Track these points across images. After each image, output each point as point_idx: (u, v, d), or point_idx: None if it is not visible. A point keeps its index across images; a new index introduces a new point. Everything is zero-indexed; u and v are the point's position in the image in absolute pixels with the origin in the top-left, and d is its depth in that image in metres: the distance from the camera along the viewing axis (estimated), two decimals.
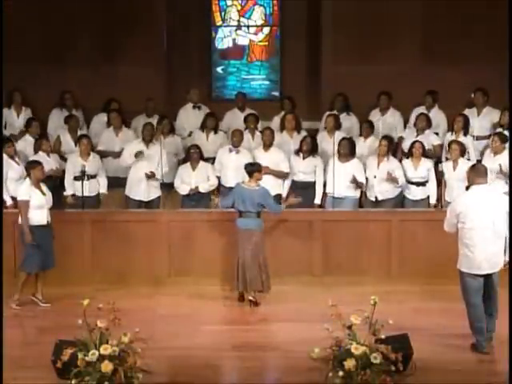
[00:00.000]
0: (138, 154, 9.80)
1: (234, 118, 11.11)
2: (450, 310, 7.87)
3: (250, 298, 8.47)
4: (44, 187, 8.57)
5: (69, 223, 9.04)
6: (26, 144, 10.13)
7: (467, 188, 7.37)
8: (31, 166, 8.59)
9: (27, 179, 8.50)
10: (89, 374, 5.82)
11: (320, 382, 6.05)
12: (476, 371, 6.69)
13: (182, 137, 10.86)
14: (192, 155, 9.90)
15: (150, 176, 9.82)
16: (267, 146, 9.97)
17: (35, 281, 8.48)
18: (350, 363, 5.82)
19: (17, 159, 9.70)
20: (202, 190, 9.84)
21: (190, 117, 11.13)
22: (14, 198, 9.34)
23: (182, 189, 9.89)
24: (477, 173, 7.11)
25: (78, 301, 6.04)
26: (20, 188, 8.54)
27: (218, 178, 10.01)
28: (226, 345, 7.29)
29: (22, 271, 8.44)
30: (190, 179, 9.87)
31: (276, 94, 12.78)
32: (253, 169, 8.64)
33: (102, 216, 9.46)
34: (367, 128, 10.41)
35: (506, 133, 9.83)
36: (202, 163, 9.92)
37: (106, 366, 5.79)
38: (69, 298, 8.22)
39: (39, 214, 8.37)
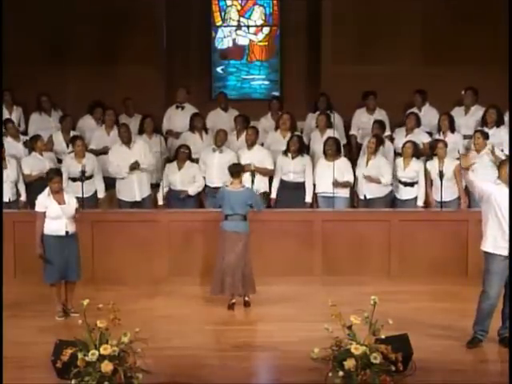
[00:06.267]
0: (134, 166, 9.85)
1: (217, 118, 11.08)
2: (450, 309, 7.88)
3: (246, 298, 8.45)
4: (66, 196, 8.19)
5: None
6: (7, 145, 10.05)
7: None
8: (48, 177, 8.26)
9: (47, 188, 8.16)
10: (89, 374, 5.82)
11: (320, 382, 6.04)
12: (476, 371, 6.69)
13: (165, 136, 10.86)
14: (181, 154, 9.94)
15: (134, 167, 9.85)
16: (250, 144, 10.00)
17: (64, 291, 8.24)
18: (349, 363, 5.81)
19: (7, 162, 9.66)
20: (191, 193, 9.90)
21: (172, 116, 11.13)
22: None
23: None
24: None
25: (78, 301, 6.04)
26: (38, 198, 8.21)
27: (203, 178, 10.04)
28: (225, 345, 7.28)
29: (45, 283, 8.19)
30: (174, 178, 9.91)
31: (276, 94, 12.77)
32: (237, 169, 8.58)
33: (102, 216, 9.46)
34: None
35: (487, 130, 9.90)
36: (188, 163, 9.97)
37: (106, 366, 5.78)
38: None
39: (56, 224, 8.04)
